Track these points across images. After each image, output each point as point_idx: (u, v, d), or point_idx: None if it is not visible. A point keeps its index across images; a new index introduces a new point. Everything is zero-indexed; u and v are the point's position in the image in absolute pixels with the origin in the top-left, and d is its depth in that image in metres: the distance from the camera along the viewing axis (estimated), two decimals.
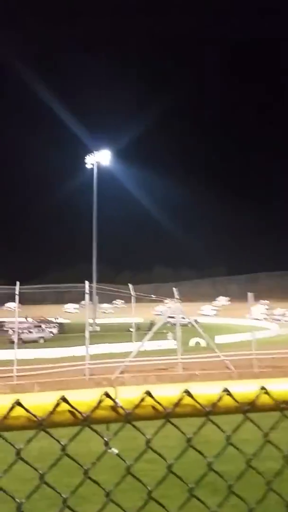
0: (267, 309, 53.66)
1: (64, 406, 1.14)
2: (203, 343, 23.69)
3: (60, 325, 40.48)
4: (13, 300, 21.07)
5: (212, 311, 62.35)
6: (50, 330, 36.04)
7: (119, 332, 33.35)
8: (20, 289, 19.23)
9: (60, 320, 46.75)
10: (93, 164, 60.83)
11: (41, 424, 1.14)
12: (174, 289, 20.45)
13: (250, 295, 20.88)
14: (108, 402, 1.16)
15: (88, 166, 61.87)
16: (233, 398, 1.04)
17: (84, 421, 1.14)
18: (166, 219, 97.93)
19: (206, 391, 1.10)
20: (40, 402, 1.17)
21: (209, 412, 1.05)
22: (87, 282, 19.46)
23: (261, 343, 23.04)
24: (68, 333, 33.22)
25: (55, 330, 37.24)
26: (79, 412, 1.15)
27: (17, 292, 19.22)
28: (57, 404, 1.14)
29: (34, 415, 1.12)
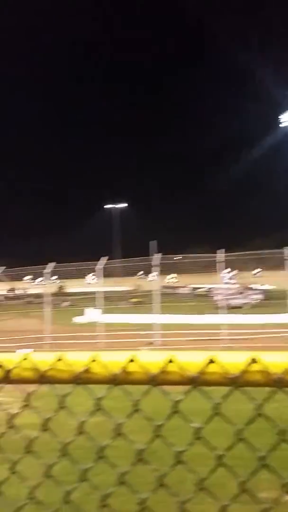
0: None
1: (214, 367, 1.16)
2: None
3: (265, 292, 40.11)
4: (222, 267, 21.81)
5: None
6: (255, 296, 36.15)
7: None
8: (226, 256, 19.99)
9: (266, 286, 46.22)
10: None
11: (194, 382, 1.18)
12: None
13: None
14: None
15: (283, 124, 58.56)
16: None
17: (233, 382, 1.14)
18: None
19: None
20: (192, 360, 1.21)
21: None
22: (286, 248, 18.91)
23: None
24: (273, 300, 32.77)
25: (260, 296, 37.17)
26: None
27: (222, 259, 19.94)
28: (208, 364, 1.16)
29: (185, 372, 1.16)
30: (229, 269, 36.05)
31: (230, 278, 37.73)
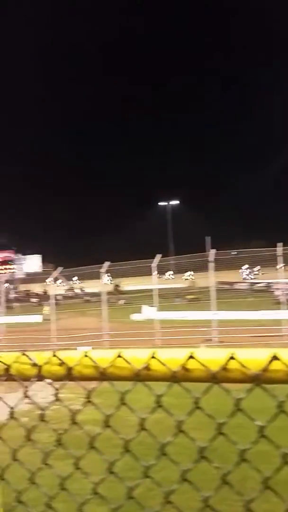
0: None
1: (277, 364, 1.12)
2: None
3: None
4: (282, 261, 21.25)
5: None
6: None
7: None
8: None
9: None
10: None
11: (257, 379, 1.15)
12: None
13: None
14: None
15: None
16: None
17: None
18: None
19: None
20: (254, 357, 1.18)
21: None
22: None
23: None
24: None
25: None
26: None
27: (280, 253, 19.47)
28: (271, 361, 1.13)
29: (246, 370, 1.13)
30: (247, 265, 35.18)
31: (249, 274, 36.74)
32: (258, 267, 36.29)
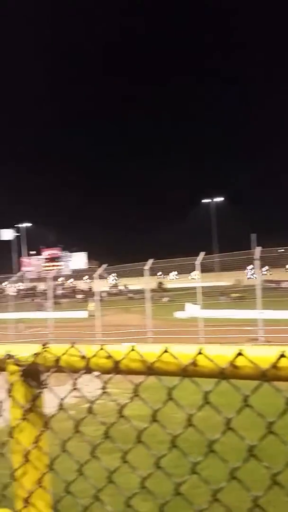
0: None
1: None
2: None
3: None
4: None
5: None
6: None
7: None
8: None
9: None
10: None
11: None
12: None
13: None
14: None
15: None
16: None
17: None
18: None
19: None
20: None
21: None
22: None
23: None
24: None
25: None
26: None
27: None
28: None
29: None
30: (251, 266, 34.36)
31: (253, 274, 35.95)
32: (266, 267, 36.24)
